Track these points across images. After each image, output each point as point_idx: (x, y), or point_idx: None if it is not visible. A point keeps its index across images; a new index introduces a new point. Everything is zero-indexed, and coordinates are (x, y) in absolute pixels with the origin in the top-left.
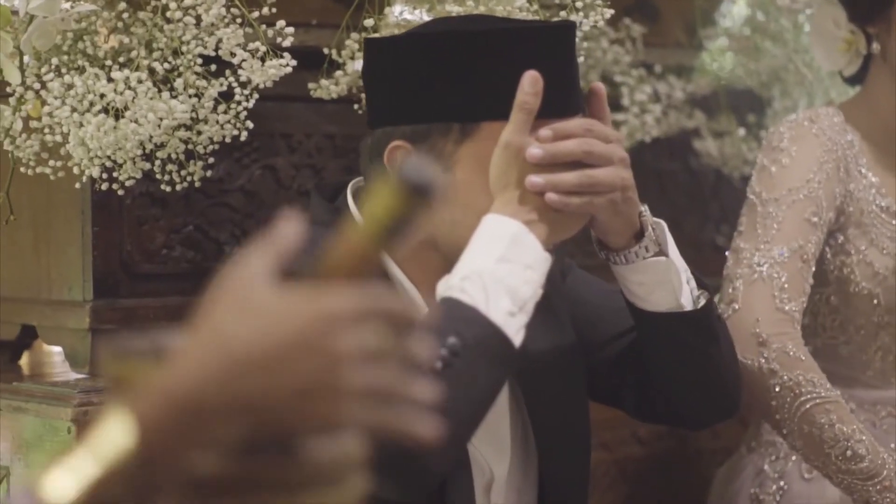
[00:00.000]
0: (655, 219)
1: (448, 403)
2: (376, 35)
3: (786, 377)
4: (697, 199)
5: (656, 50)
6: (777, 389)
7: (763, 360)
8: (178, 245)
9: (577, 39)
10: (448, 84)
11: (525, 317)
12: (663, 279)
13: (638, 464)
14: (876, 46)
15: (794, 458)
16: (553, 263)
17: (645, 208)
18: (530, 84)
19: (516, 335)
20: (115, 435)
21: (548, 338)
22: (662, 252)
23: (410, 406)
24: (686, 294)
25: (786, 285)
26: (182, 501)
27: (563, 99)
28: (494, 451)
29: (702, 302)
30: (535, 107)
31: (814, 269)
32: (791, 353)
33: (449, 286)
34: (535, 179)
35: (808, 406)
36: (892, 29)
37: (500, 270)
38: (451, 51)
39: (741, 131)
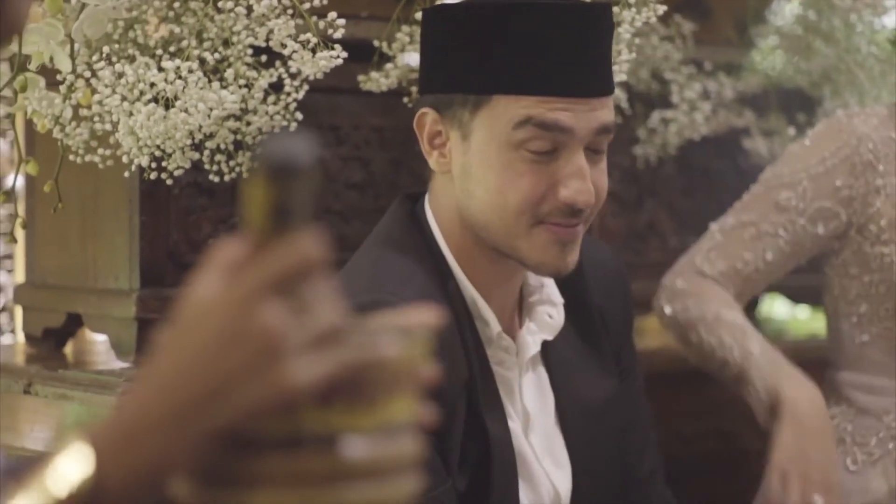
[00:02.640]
0: None
1: None
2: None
3: (668, 310)
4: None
5: (707, 47)
6: (666, 323)
7: (660, 305)
8: (225, 235)
9: (606, 21)
10: (465, 55)
11: None
12: None
13: (682, 464)
14: None
15: (839, 450)
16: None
17: None
18: None
19: None
20: (72, 463)
21: (595, 380)
22: None
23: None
24: None
25: (714, 249)
26: None
27: (582, 79)
28: (557, 468)
29: None
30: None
31: (775, 244)
32: (681, 289)
33: None
34: None
35: (685, 326)
36: None
37: None
38: (469, 23)
39: (791, 131)
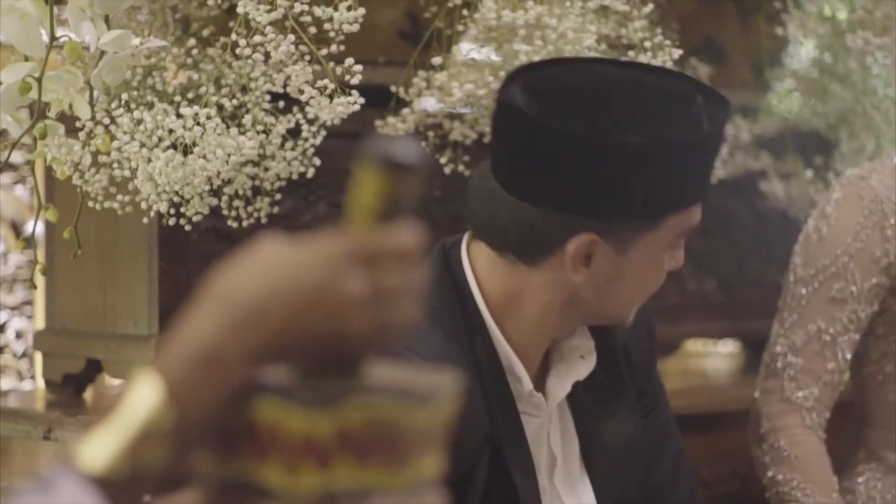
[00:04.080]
0: None
1: None
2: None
3: (770, 473)
4: (762, 240)
5: (723, 90)
6: (766, 483)
7: (759, 454)
8: None
9: None
10: (639, 184)
11: None
12: None
13: None
14: None
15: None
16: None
17: None
18: None
19: None
20: (144, 396)
21: (620, 420)
22: None
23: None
24: None
25: (798, 375)
26: (215, 455)
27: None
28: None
29: None
30: None
31: (848, 340)
32: (783, 451)
33: None
34: None
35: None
36: None
37: None
38: (637, 155)
39: (808, 173)
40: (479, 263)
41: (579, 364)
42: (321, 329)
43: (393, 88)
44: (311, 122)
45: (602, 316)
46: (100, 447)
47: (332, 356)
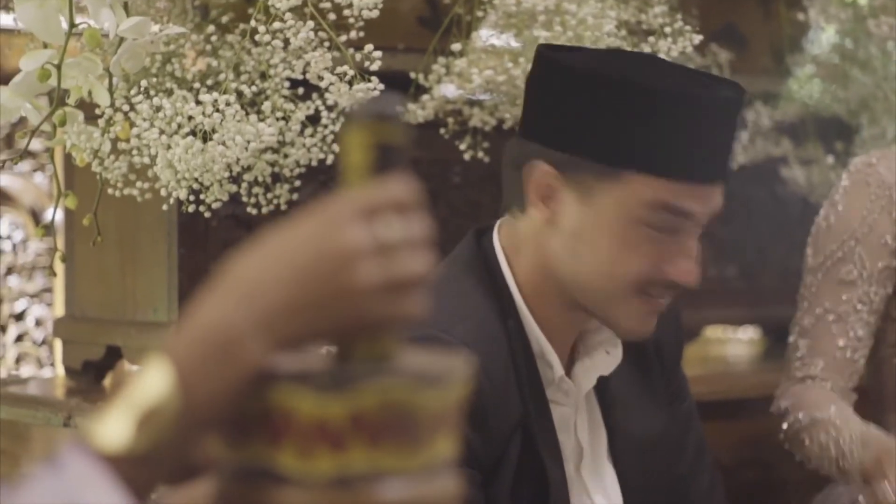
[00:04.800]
0: None
1: None
2: (559, 47)
3: (804, 440)
4: (784, 226)
5: (743, 76)
6: (801, 459)
7: (783, 437)
8: None
9: (741, 111)
10: (603, 124)
11: None
12: None
13: None
14: None
15: None
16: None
17: None
18: None
19: None
20: (153, 377)
21: (649, 414)
22: None
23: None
24: None
25: (804, 354)
26: (229, 441)
27: (714, 166)
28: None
29: None
30: None
31: (859, 320)
32: (802, 420)
33: None
34: None
35: (815, 435)
36: None
37: None
38: (613, 93)
39: (829, 159)
40: (508, 243)
41: (604, 359)
42: (330, 291)
43: (412, 75)
44: (330, 108)
45: (585, 300)
46: (110, 427)
47: (350, 324)
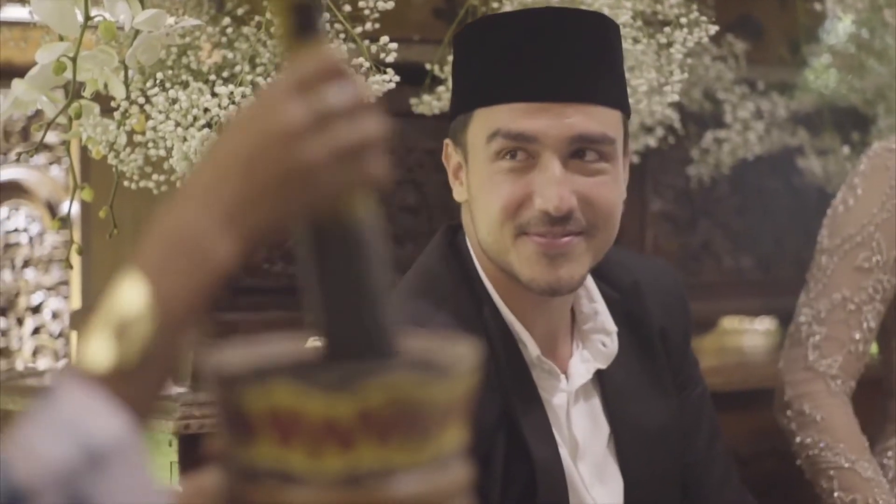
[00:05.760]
0: None
1: None
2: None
3: (798, 439)
4: (799, 217)
5: (759, 67)
6: (795, 450)
7: (786, 421)
8: (280, 260)
9: (587, 27)
10: (456, 76)
11: None
12: None
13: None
14: None
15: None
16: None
17: None
18: None
19: None
20: (123, 287)
21: (654, 405)
22: None
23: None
24: None
25: (821, 343)
26: (236, 441)
27: (550, 83)
28: (607, 496)
29: None
30: None
31: (873, 310)
32: (809, 415)
33: None
34: None
35: (817, 467)
36: None
37: None
38: (459, 44)
39: (845, 149)
40: (471, 238)
41: (601, 352)
42: (281, 173)
43: (428, 66)
44: None
45: (493, 259)
46: (94, 347)
47: (311, 201)
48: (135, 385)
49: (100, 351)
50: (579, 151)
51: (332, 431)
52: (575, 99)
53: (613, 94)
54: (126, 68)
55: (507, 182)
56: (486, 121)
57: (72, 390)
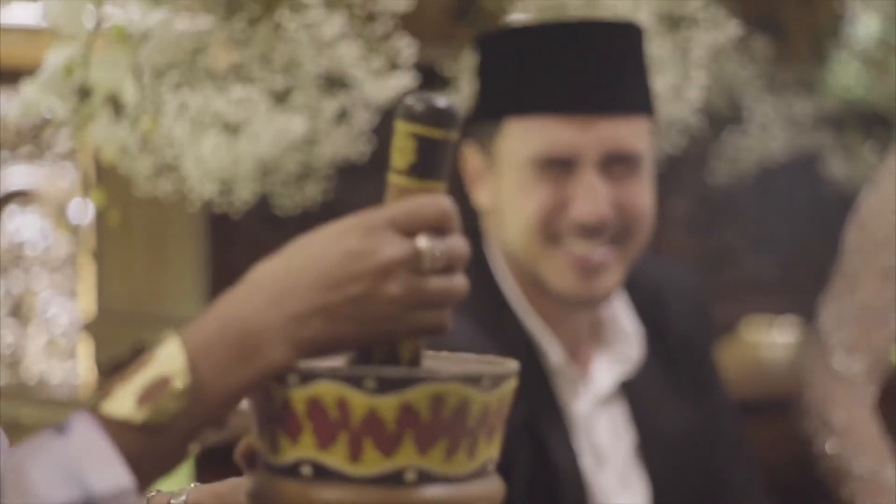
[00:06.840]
0: None
1: None
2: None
3: (819, 444)
4: (821, 219)
5: (782, 66)
6: (815, 455)
7: (807, 426)
8: None
9: (620, 38)
10: (483, 82)
11: None
12: None
13: None
14: None
15: None
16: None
17: None
18: None
19: None
20: (165, 352)
21: (678, 411)
22: None
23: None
24: None
25: (844, 346)
26: (276, 441)
27: (587, 96)
28: None
29: None
30: None
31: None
32: (831, 422)
33: None
34: None
35: (838, 475)
36: None
37: None
38: (486, 50)
39: (868, 149)
40: (497, 243)
41: (622, 361)
42: (359, 301)
43: (441, 67)
44: (361, 102)
45: (522, 265)
46: (117, 395)
47: (374, 335)
48: (147, 444)
49: (122, 399)
50: (614, 159)
51: (373, 432)
52: (610, 109)
53: (645, 99)
54: (138, 70)
55: (541, 189)
56: (523, 135)
57: (84, 427)
